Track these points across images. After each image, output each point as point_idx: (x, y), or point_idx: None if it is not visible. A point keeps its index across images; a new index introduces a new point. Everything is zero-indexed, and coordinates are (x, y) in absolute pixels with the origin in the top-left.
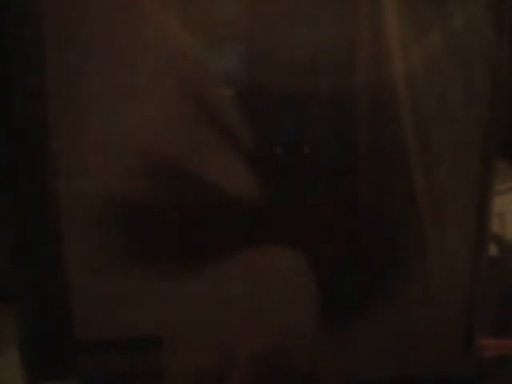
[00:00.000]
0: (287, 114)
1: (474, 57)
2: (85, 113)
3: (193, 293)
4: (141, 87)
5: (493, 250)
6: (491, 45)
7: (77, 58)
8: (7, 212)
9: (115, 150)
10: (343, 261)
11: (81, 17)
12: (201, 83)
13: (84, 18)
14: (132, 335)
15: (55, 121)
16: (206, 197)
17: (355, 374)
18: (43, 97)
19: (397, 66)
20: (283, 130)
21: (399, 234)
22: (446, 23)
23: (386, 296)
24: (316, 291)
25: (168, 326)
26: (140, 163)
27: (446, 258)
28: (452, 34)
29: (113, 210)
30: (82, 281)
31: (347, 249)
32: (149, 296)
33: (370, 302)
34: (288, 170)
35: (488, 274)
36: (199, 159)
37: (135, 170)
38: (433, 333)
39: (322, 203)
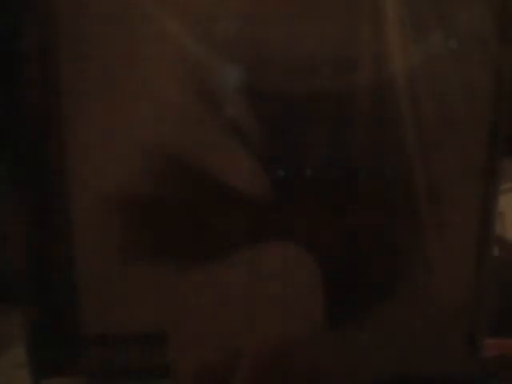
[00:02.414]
0: (289, 115)
1: (477, 56)
2: (95, 112)
3: (196, 290)
4: (149, 87)
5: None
6: (494, 43)
7: (89, 57)
8: (13, 210)
9: (122, 149)
10: (344, 261)
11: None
12: (205, 83)
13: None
14: (136, 332)
15: (65, 119)
16: (209, 195)
17: (356, 373)
18: (55, 96)
19: (397, 67)
20: (285, 129)
21: (400, 234)
22: (448, 23)
23: (387, 296)
24: (318, 291)
25: (172, 324)
26: (147, 162)
27: (448, 258)
28: (453, 33)
29: (119, 209)
30: (87, 277)
31: (348, 249)
32: (153, 293)
33: (371, 302)
34: (290, 168)
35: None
36: (203, 158)
37: (141, 168)
38: (434, 332)
39: (323, 203)
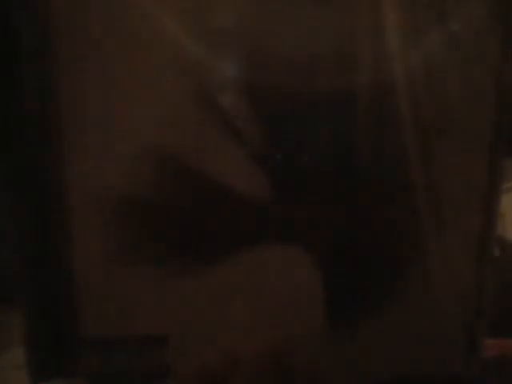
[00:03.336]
0: (288, 114)
1: (478, 57)
2: (95, 112)
3: (196, 293)
4: (149, 87)
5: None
6: (495, 44)
7: (89, 57)
8: (13, 210)
9: (122, 150)
10: (344, 260)
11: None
12: (205, 83)
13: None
14: (136, 334)
15: (65, 120)
16: (209, 196)
17: (356, 373)
18: (53, 96)
19: (398, 68)
20: (285, 129)
21: (400, 233)
22: (448, 24)
23: (387, 296)
24: (318, 291)
25: (172, 325)
26: (146, 162)
27: (448, 258)
28: (454, 35)
29: (119, 209)
30: (87, 279)
31: (348, 249)
32: (153, 295)
33: (371, 302)
34: (289, 169)
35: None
36: (203, 158)
37: (142, 169)
38: (434, 332)
39: (323, 203)
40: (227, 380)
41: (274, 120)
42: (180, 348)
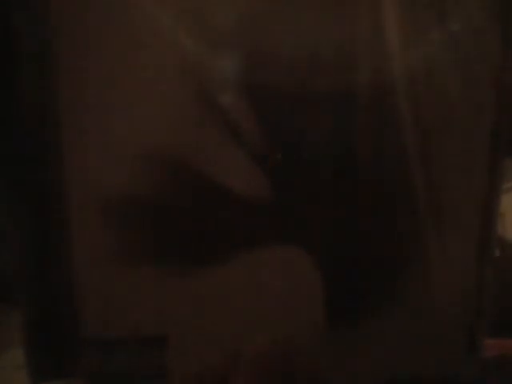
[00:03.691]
0: (288, 114)
1: (478, 57)
2: (93, 111)
3: (196, 293)
4: (149, 87)
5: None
6: (495, 44)
7: (86, 55)
8: (13, 210)
9: (122, 149)
10: (344, 260)
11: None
12: (205, 83)
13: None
14: (136, 334)
15: (65, 120)
16: (209, 197)
17: (356, 374)
18: (53, 96)
19: (398, 67)
20: (285, 129)
21: (400, 234)
22: (448, 24)
23: (387, 296)
24: (318, 291)
25: (171, 326)
26: (146, 162)
27: (448, 258)
28: (454, 35)
29: (118, 209)
30: (87, 279)
31: (348, 249)
32: (152, 295)
33: (371, 302)
34: (289, 169)
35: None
36: (203, 158)
37: (142, 169)
38: (434, 332)
39: (323, 203)
40: (227, 380)
41: (274, 120)
42: (180, 348)
